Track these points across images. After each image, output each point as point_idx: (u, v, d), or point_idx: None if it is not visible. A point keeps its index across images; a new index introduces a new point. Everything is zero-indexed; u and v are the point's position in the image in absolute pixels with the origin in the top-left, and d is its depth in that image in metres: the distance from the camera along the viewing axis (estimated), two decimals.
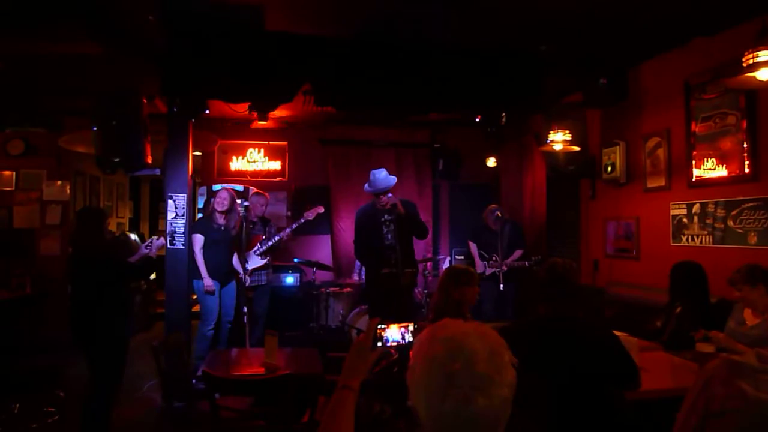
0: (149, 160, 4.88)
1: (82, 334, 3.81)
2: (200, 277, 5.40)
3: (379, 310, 5.13)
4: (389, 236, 5.08)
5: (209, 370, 2.93)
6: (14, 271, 6.67)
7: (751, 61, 2.71)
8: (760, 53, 2.65)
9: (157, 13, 3.69)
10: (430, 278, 6.92)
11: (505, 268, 5.83)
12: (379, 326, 1.51)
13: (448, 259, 7.67)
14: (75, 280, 3.92)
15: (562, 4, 3.65)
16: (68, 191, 7.20)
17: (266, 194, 6.19)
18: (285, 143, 7.65)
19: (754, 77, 2.77)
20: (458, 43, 4.27)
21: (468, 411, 1.06)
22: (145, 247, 4.08)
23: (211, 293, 5.42)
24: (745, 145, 4.05)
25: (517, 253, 6.04)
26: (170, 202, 5.26)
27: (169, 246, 5.23)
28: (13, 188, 7.12)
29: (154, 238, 4.19)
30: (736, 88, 3.77)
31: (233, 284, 5.69)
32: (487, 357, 1.12)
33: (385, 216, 5.09)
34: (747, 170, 4.02)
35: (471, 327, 1.19)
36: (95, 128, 4.77)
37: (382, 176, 5.10)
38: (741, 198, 4.07)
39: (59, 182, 7.18)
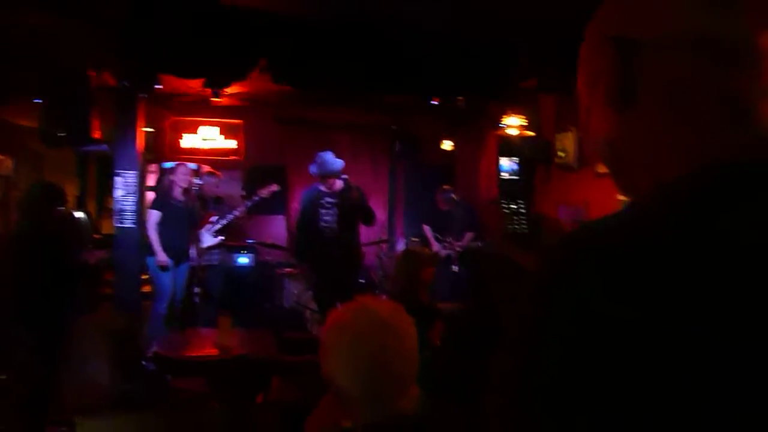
0: (97, 135, 4.73)
1: (24, 315, 3.73)
2: (151, 254, 5.30)
3: (322, 295, 5.18)
4: (327, 218, 5.07)
5: (161, 351, 2.89)
6: None
7: None
8: None
9: None
10: (385, 260, 6.98)
11: (458, 250, 5.94)
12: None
13: (403, 240, 7.74)
14: (17, 259, 3.81)
15: None
16: (11, 166, 6.90)
17: (219, 173, 6.11)
18: (240, 122, 7.52)
19: None
20: (419, 27, 4.27)
21: (382, 353, 1.13)
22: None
23: (165, 269, 5.33)
24: None
25: (469, 235, 6.15)
26: (119, 179, 5.11)
27: (118, 224, 5.10)
28: None
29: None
30: None
31: (187, 264, 5.61)
32: (389, 310, 1.24)
33: (326, 198, 5.07)
34: None
35: (370, 297, 1.31)
36: (40, 101, 4.59)
37: (329, 158, 5.10)
38: None
39: (1, 157, 6.87)
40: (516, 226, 0.97)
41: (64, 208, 4.25)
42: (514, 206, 0.96)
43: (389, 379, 1.18)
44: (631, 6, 0.63)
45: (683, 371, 0.45)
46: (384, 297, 1.33)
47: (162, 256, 5.29)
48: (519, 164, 0.91)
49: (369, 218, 5.29)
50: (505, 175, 0.91)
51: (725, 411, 0.44)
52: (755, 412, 0.44)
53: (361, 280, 5.94)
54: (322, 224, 5.08)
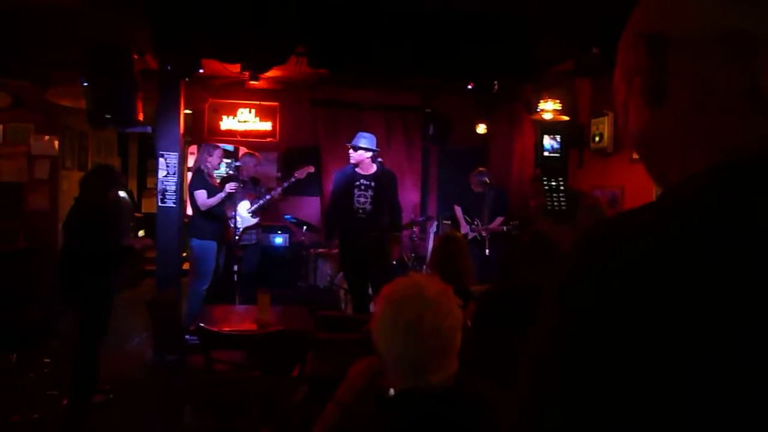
0: (141, 117, 4.88)
1: (69, 287, 3.92)
2: (200, 237, 5.46)
3: (353, 275, 5.28)
4: (362, 200, 5.14)
5: (203, 325, 3.04)
6: (3, 225, 6.68)
7: None
8: None
9: None
10: (417, 242, 7.05)
11: (485, 234, 5.97)
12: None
13: (435, 223, 7.79)
14: (69, 232, 4.01)
15: None
16: (56, 146, 7.15)
17: (258, 155, 6.22)
18: (276, 104, 7.63)
19: None
20: (453, 9, 4.28)
21: (419, 327, 1.21)
22: (140, 243, 4.35)
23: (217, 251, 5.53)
24: None
25: (499, 219, 6.17)
26: (161, 160, 5.27)
27: (160, 204, 5.28)
28: (0, 141, 7.06)
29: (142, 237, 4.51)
30: None
31: (229, 244, 5.80)
32: (436, 290, 1.32)
33: (362, 180, 5.15)
34: None
35: (425, 275, 1.39)
36: (85, 83, 4.75)
37: (367, 134, 5.19)
38: None
39: (47, 137, 7.12)
40: (555, 203, 1.01)
41: (122, 191, 4.47)
42: (554, 183, 1.01)
43: (423, 350, 1.26)
44: (661, 4, 0.66)
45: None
46: (436, 277, 1.40)
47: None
48: (560, 143, 0.95)
49: (396, 212, 5.33)
50: (546, 153, 0.96)
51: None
52: None
53: (393, 262, 6.02)
54: (356, 206, 5.15)
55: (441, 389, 1.27)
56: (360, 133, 5.26)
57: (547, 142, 0.85)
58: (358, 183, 5.17)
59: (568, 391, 0.51)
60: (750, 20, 0.60)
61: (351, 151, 5.17)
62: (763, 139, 0.59)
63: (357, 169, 5.19)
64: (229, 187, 5.47)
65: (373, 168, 5.20)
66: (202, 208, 5.46)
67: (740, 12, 0.61)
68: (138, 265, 8.38)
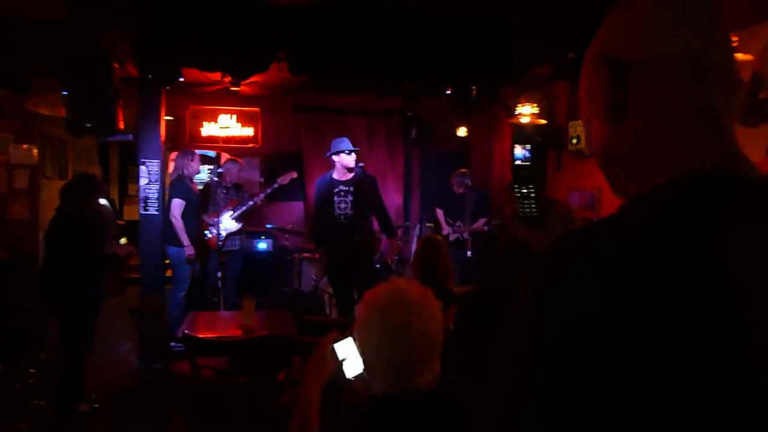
0: (121, 125, 4.88)
1: (52, 298, 3.91)
2: (175, 244, 5.46)
3: (337, 279, 5.32)
4: (342, 206, 5.20)
5: (189, 331, 3.06)
6: None
7: None
8: None
9: None
10: (401, 244, 7.10)
11: (467, 235, 6.04)
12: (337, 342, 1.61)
13: (418, 226, 7.86)
14: (51, 241, 3.99)
15: None
16: (36, 155, 7.09)
17: (241, 161, 6.25)
18: (257, 109, 7.64)
19: None
20: (430, 15, 4.35)
21: (406, 333, 1.26)
22: (123, 250, 4.32)
23: (192, 261, 5.50)
24: None
25: (481, 221, 6.25)
26: (143, 168, 5.27)
27: (142, 212, 5.28)
28: None
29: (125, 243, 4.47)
30: None
31: (213, 250, 5.80)
32: (418, 294, 1.36)
33: (341, 186, 5.20)
34: None
35: (404, 279, 1.44)
36: (65, 92, 4.74)
37: (344, 139, 5.25)
38: None
39: (26, 146, 7.06)
40: (527, 209, 1.07)
41: (103, 199, 4.45)
42: (526, 190, 1.07)
43: (411, 354, 1.30)
44: (623, 30, 0.71)
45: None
46: (415, 281, 1.45)
47: (191, 250, 5.45)
48: (531, 151, 1.01)
49: (384, 216, 5.35)
50: (518, 162, 1.00)
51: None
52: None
53: (376, 265, 6.07)
54: (337, 211, 5.21)
55: (426, 391, 1.32)
56: (333, 141, 5.30)
57: (519, 151, 0.90)
58: (336, 190, 5.22)
59: (542, 395, 0.54)
60: (703, 46, 0.66)
61: (333, 158, 5.22)
62: (716, 157, 0.65)
63: (334, 176, 5.25)
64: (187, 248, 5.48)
65: (351, 174, 5.23)
66: (171, 218, 5.45)
67: (694, 38, 0.66)
68: (121, 272, 8.33)
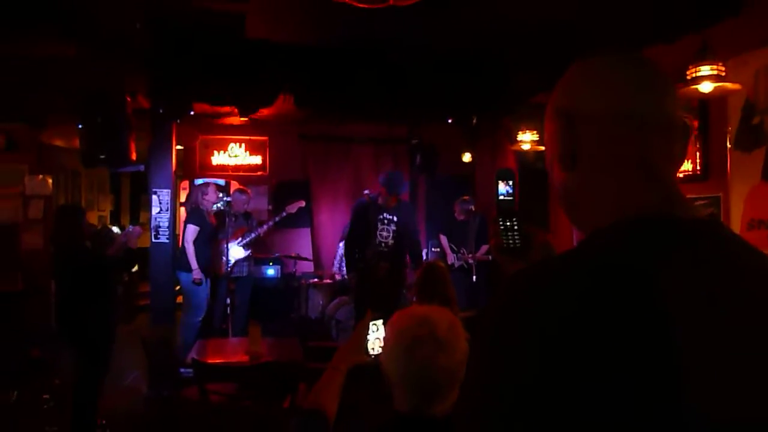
0: (133, 157, 5.04)
1: (69, 329, 4.00)
2: (187, 270, 5.57)
3: (365, 306, 5.29)
4: (384, 234, 5.16)
5: (197, 358, 3.15)
6: (1, 266, 6.74)
7: (694, 75, 2.98)
8: (702, 68, 2.92)
9: (142, 19, 3.85)
10: (408, 270, 7.16)
11: (471, 261, 6.08)
12: (373, 322, 1.73)
13: (425, 251, 7.92)
14: (59, 277, 4.09)
15: (524, 13, 3.90)
16: (50, 185, 7.27)
17: (249, 191, 6.39)
18: (266, 138, 7.81)
19: (696, 89, 3.05)
20: (432, 53, 4.50)
21: (431, 367, 1.34)
22: (123, 236, 4.25)
23: (199, 284, 5.61)
24: (697, 144, 4.34)
25: (484, 248, 6.31)
26: (154, 197, 5.41)
27: (153, 240, 5.40)
28: None
29: (130, 227, 4.36)
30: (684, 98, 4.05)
31: (224, 278, 5.92)
32: (447, 327, 1.40)
33: (385, 214, 5.18)
34: (698, 169, 4.32)
35: (434, 307, 1.49)
36: (80, 125, 4.92)
37: (400, 177, 5.27)
38: (692, 196, 4.37)
39: (41, 177, 7.25)
40: (510, 241, 1.14)
41: (91, 223, 4.49)
42: (509, 223, 1.14)
43: (434, 387, 1.37)
44: (576, 85, 0.80)
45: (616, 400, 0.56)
46: (445, 309, 1.51)
47: (198, 274, 5.57)
48: (512, 186, 1.10)
49: (415, 250, 5.30)
50: (501, 197, 1.08)
51: None
52: None
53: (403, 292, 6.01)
54: (378, 239, 5.14)
55: (442, 417, 1.38)
56: (394, 178, 5.24)
57: (502, 187, 0.98)
58: (381, 217, 5.15)
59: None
60: (643, 103, 0.75)
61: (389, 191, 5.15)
62: (654, 201, 0.73)
63: (380, 201, 5.17)
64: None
65: (395, 203, 5.17)
66: (185, 243, 5.59)
67: (636, 96, 0.75)
68: (133, 299, 8.43)
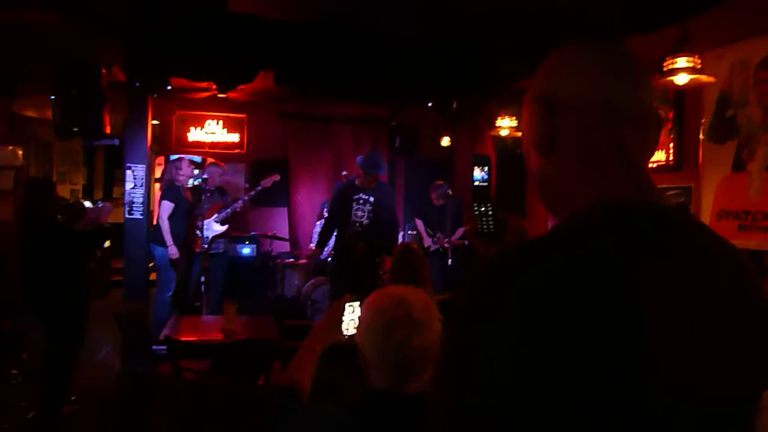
0: (108, 130, 4.94)
1: (38, 302, 3.95)
2: (161, 244, 5.53)
3: (340, 287, 5.33)
4: (359, 213, 5.18)
5: (171, 335, 3.14)
6: None
7: (670, 67, 3.03)
8: (678, 60, 2.97)
9: None
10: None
11: (447, 245, 6.15)
12: (349, 303, 1.75)
13: (402, 234, 7.96)
14: (27, 250, 4.02)
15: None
16: (21, 156, 7.12)
17: (222, 164, 6.35)
18: (244, 116, 7.72)
19: (672, 81, 3.10)
20: (416, 37, 4.48)
21: (406, 347, 1.37)
22: (93, 212, 4.19)
23: (176, 263, 5.58)
24: (671, 135, 4.42)
25: (460, 231, 6.37)
26: (129, 172, 5.32)
27: (127, 216, 5.33)
28: None
29: (100, 203, 4.31)
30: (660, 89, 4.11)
31: (197, 254, 5.89)
32: (422, 307, 1.43)
33: (361, 195, 5.20)
34: (671, 159, 4.40)
35: (410, 288, 1.51)
36: (53, 96, 4.80)
37: (379, 157, 5.22)
38: (664, 186, 4.46)
39: (11, 147, 7.09)
40: (485, 226, 1.15)
41: (62, 197, 4.42)
42: (483, 209, 1.16)
43: (409, 366, 1.41)
44: (556, 73, 0.81)
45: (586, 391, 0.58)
46: (421, 290, 1.53)
47: (173, 250, 5.53)
48: (488, 173, 1.12)
49: (390, 231, 5.31)
50: (476, 182, 1.10)
51: None
52: None
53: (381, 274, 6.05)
54: (354, 218, 5.16)
55: (418, 392, 1.42)
56: (371, 158, 5.23)
57: (477, 173, 0.98)
58: (356, 197, 5.17)
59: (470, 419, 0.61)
60: (618, 94, 0.77)
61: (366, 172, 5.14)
62: (625, 188, 0.75)
63: (357, 183, 5.19)
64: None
65: (374, 184, 5.17)
66: (159, 220, 5.56)
67: (612, 87, 0.77)
68: (106, 275, 8.34)
